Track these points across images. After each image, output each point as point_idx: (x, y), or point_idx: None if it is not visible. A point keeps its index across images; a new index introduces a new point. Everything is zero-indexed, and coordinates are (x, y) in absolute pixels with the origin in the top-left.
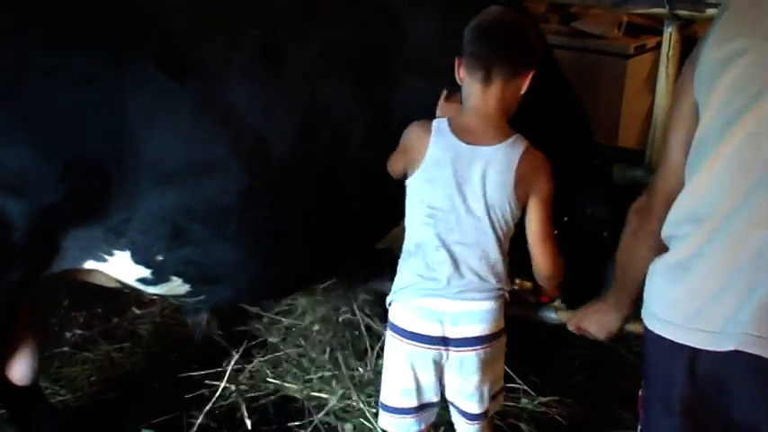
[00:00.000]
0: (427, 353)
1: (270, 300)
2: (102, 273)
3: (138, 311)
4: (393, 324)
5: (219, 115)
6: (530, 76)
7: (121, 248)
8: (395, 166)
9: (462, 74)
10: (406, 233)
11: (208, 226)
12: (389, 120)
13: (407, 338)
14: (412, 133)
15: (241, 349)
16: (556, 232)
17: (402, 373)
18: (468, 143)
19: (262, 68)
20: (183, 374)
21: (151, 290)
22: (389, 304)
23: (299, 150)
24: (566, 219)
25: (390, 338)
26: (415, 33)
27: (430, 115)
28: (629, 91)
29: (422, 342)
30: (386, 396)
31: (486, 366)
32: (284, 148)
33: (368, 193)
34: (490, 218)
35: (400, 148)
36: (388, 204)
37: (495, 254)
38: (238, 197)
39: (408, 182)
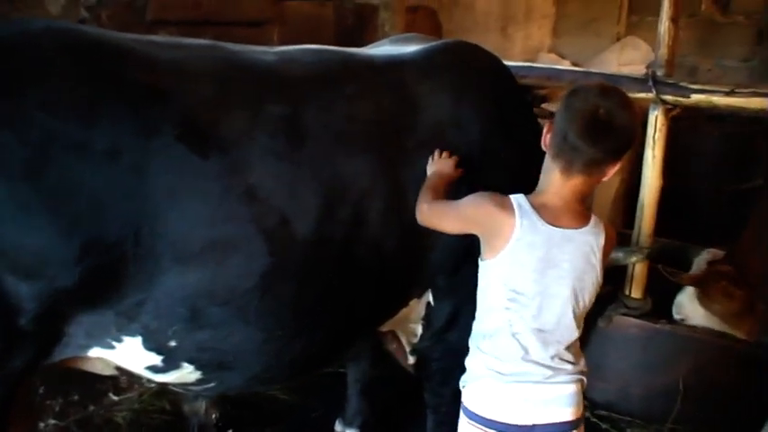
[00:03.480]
0: None
1: (277, 385)
2: (103, 360)
3: (115, 398)
4: (468, 410)
5: (243, 193)
6: (617, 166)
7: (132, 334)
8: (448, 224)
9: (548, 145)
10: (480, 314)
11: (227, 308)
12: (405, 195)
13: (485, 426)
14: (489, 208)
15: None
16: None
17: None
18: (555, 226)
19: (283, 144)
20: None
21: (158, 378)
22: (463, 387)
23: (320, 227)
24: None
25: (466, 425)
26: (428, 109)
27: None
28: None
29: (503, 430)
30: None
31: None
32: (306, 226)
33: (383, 269)
34: (575, 300)
35: (468, 218)
36: (401, 282)
37: (574, 335)
38: (260, 277)
39: (488, 262)
